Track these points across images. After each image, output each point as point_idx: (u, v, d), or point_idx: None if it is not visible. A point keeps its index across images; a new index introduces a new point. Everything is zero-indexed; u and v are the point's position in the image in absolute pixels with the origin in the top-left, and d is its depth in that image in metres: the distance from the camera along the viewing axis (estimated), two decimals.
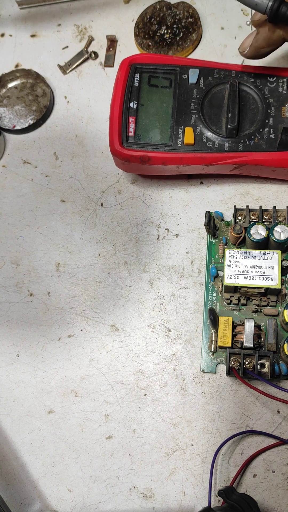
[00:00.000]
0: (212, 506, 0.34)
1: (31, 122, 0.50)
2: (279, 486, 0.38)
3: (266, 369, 0.37)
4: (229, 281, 0.38)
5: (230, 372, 0.38)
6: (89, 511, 0.39)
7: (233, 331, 0.38)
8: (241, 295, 0.40)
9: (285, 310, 0.37)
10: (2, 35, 0.54)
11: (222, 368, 0.40)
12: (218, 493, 0.35)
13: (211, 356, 0.40)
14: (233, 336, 0.38)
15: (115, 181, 0.47)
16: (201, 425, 0.39)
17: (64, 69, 0.51)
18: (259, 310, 0.40)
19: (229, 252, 0.39)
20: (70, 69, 0.51)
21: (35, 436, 0.41)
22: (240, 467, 0.37)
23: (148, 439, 0.40)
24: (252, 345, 0.37)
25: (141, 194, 0.46)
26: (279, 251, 0.39)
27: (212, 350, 0.40)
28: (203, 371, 0.40)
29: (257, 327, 0.38)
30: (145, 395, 0.41)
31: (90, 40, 0.52)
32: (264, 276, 0.38)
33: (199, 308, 0.42)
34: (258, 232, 0.39)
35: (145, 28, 0.49)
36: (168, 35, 0.49)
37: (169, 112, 0.42)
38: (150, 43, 0.49)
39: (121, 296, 0.43)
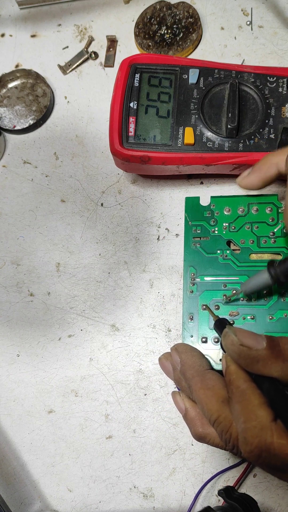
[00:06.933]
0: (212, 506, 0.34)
1: (31, 122, 0.50)
2: (279, 486, 0.38)
3: None
4: None
5: None
6: (89, 511, 0.39)
7: None
8: None
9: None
10: (2, 35, 0.54)
11: None
12: (218, 493, 0.35)
13: None
14: None
15: (115, 181, 0.47)
16: None
17: (64, 69, 0.51)
18: None
19: None
20: (70, 69, 0.51)
21: (35, 436, 0.41)
22: (244, 469, 0.37)
23: (148, 439, 0.40)
24: None
25: (141, 194, 0.46)
26: None
27: None
28: None
29: None
30: (145, 395, 0.41)
31: (90, 40, 0.52)
32: None
33: None
34: None
35: (145, 28, 0.49)
36: (168, 35, 0.49)
37: (169, 112, 0.42)
38: (150, 43, 0.49)
39: (121, 296, 0.43)
